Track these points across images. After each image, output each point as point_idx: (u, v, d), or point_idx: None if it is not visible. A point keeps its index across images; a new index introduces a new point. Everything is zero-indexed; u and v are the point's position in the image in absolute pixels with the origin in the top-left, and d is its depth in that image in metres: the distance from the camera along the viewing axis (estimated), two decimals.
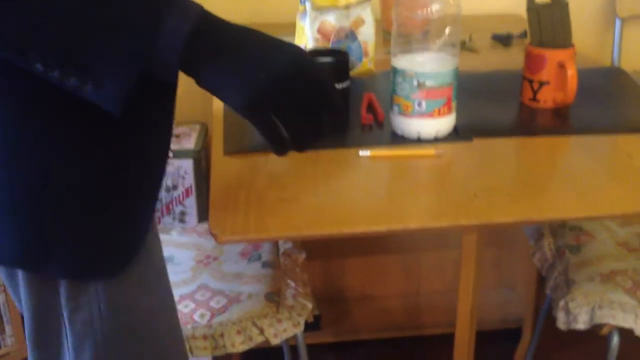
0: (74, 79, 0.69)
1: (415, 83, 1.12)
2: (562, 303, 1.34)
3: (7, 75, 0.74)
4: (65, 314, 0.84)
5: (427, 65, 1.13)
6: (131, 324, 0.87)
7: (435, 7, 1.09)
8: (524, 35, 1.75)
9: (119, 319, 0.86)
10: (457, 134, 1.18)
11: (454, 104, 1.16)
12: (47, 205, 0.78)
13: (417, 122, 1.15)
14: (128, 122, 0.78)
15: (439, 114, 1.15)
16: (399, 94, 1.15)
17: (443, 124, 1.16)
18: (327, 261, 1.94)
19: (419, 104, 1.14)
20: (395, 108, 1.17)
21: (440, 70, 1.13)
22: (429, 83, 1.12)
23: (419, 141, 1.16)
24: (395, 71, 1.15)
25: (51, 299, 0.84)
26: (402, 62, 1.14)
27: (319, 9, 1.37)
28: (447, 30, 1.10)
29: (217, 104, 1.32)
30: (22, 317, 0.88)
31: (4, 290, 1.78)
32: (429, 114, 1.14)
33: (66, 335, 0.85)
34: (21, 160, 0.77)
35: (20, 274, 0.84)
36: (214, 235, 0.90)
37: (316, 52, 1.33)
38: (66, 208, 0.79)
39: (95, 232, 0.81)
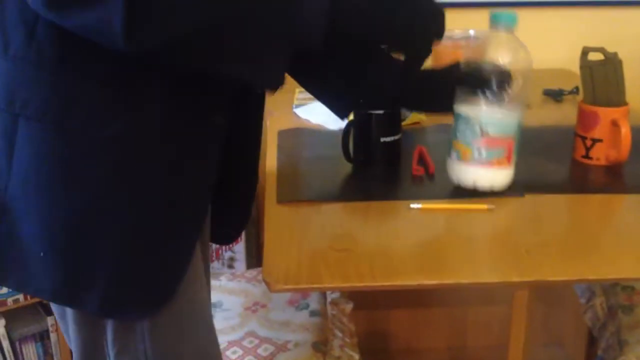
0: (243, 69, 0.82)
1: (477, 129, 1.12)
2: None
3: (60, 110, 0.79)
4: (111, 355, 0.86)
5: (492, 113, 1.11)
6: None
7: (504, 60, 1.07)
8: (575, 91, 1.75)
9: None
10: (509, 188, 1.18)
11: (514, 157, 1.16)
12: (86, 240, 0.80)
13: (475, 170, 1.15)
14: (179, 155, 0.84)
15: (498, 164, 1.14)
16: (459, 139, 1.15)
17: (500, 175, 1.16)
18: (372, 312, 1.93)
19: (479, 151, 1.13)
20: (454, 154, 1.16)
21: (505, 119, 1.12)
22: (491, 130, 1.11)
23: (474, 191, 1.16)
24: (458, 117, 1.14)
25: (98, 339, 0.86)
26: (466, 108, 1.13)
27: None
28: (518, 84, 1.08)
29: (270, 160, 1.34)
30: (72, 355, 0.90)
31: (57, 330, 1.82)
32: (488, 162, 1.13)
33: None
34: (64, 194, 0.79)
35: (69, 313, 0.86)
36: (267, 284, 0.91)
37: None
38: (105, 244, 0.81)
39: (132, 269, 0.83)
